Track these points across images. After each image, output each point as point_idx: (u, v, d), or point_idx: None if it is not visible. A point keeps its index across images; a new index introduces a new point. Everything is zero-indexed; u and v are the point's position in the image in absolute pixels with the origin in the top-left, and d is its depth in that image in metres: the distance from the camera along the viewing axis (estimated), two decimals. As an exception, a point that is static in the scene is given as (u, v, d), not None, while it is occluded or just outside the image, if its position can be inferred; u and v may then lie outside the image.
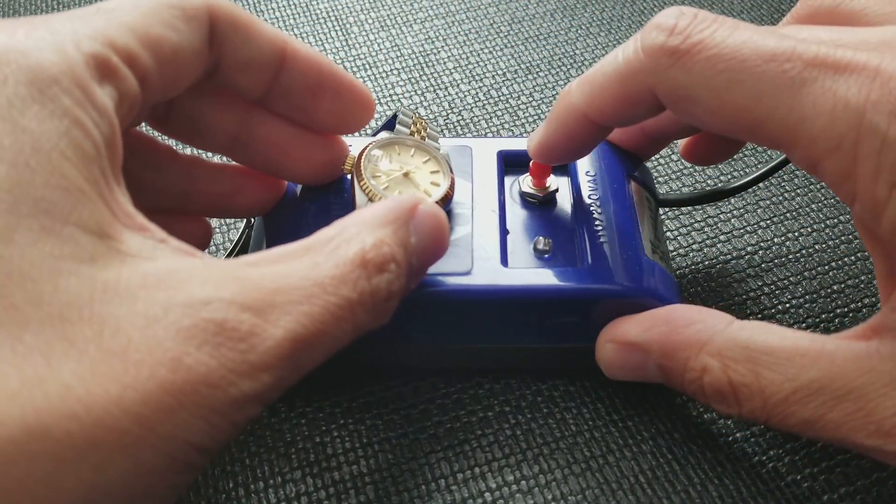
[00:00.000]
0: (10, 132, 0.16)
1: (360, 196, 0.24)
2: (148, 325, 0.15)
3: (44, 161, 0.16)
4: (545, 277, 0.24)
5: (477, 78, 0.40)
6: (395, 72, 0.40)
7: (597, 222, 0.26)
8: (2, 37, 0.17)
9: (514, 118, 0.37)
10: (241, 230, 0.29)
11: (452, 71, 0.40)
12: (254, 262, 0.18)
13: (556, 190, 0.27)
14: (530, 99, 0.38)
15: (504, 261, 0.25)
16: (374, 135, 0.26)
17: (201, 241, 0.27)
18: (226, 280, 0.17)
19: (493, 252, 0.25)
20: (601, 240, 0.25)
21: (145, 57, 0.19)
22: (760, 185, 0.34)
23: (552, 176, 0.27)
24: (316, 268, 0.18)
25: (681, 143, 0.29)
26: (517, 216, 0.27)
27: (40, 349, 0.15)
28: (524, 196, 0.27)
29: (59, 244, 0.16)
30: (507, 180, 0.28)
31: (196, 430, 0.16)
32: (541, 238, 0.26)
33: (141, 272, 0.16)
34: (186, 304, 0.16)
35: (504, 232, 0.26)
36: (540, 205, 0.27)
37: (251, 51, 0.22)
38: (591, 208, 0.26)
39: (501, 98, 0.38)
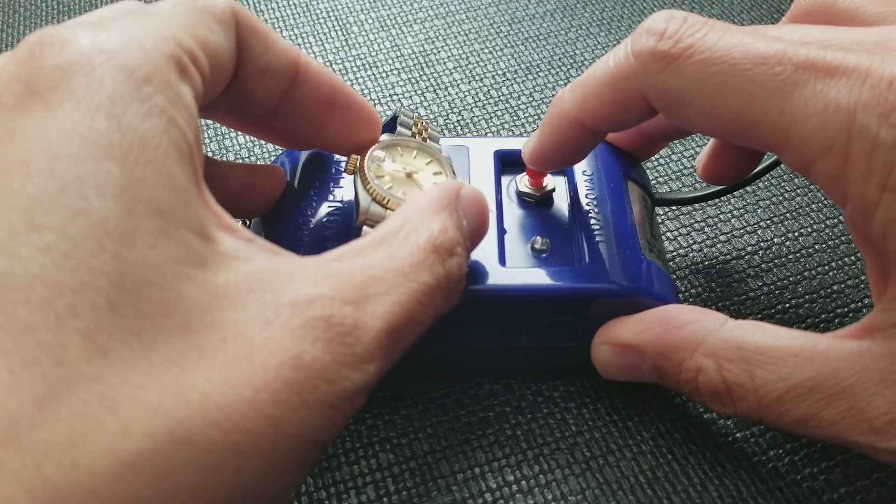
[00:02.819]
0: (116, 130, 0.16)
1: (363, 197, 0.24)
2: (264, 328, 0.16)
3: (151, 158, 0.16)
4: (542, 277, 0.24)
5: (477, 78, 0.40)
6: (395, 72, 0.40)
7: (594, 222, 0.26)
8: (86, 38, 0.17)
9: (514, 118, 0.37)
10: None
11: (452, 71, 0.40)
12: (336, 257, 0.18)
13: (553, 189, 0.27)
14: (530, 99, 0.38)
15: (502, 260, 0.25)
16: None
17: None
18: (321, 277, 0.17)
19: (490, 252, 0.25)
20: (598, 239, 0.25)
21: (202, 57, 0.19)
22: (760, 185, 0.34)
23: (549, 175, 0.27)
24: (393, 258, 0.18)
25: (698, 166, 0.28)
26: (514, 216, 0.27)
27: (173, 359, 0.15)
28: (521, 195, 0.27)
29: (175, 247, 0.16)
30: (504, 180, 0.28)
31: (317, 426, 0.16)
32: (538, 237, 0.26)
33: (244, 275, 0.17)
34: (293, 303, 0.16)
35: (501, 231, 0.26)
36: (537, 204, 0.27)
37: (269, 58, 0.22)
38: (588, 208, 0.26)
39: (501, 98, 0.38)
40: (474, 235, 0.21)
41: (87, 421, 0.13)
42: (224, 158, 0.35)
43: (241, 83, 0.22)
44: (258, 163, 0.35)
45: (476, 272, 0.24)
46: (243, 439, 0.15)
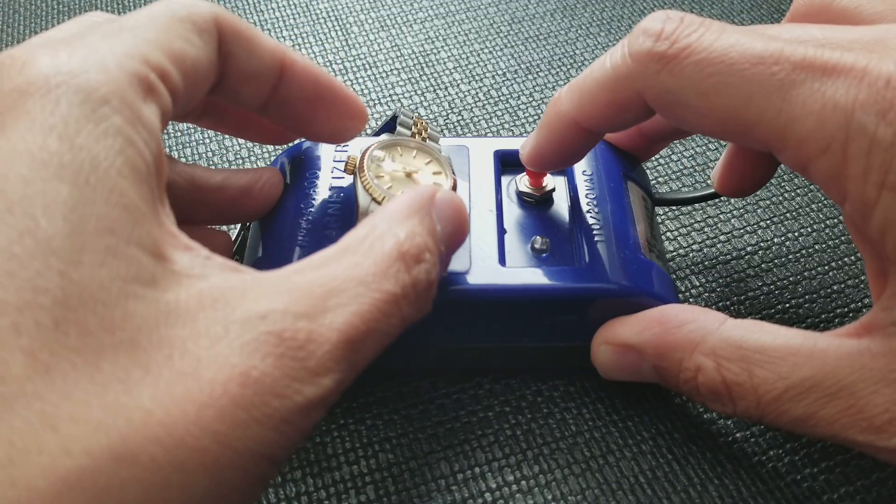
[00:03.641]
0: (67, 150, 0.16)
1: (362, 196, 0.24)
2: (212, 345, 0.16)
3: (103, 178, 0.16)
4: (542, 277, 0.24)
5: (477, 78, 0.40)
6: (395, 72, 0.40)
7: (593, 222, 0.26)
8: (45, 59, 0.17)
9: (514, 118, 0.37)
10: (237, 232, 0.29)
11: (452, 71, 0.40)
12: (298, 270, 0.18)
13: (553, 189, 0.27)
14: (530, 99, 0.38)
15: (502, 260, 0.25)
16: (375, 136, 0.26)
17: (223, 252, 0.27)
18: (277, 292, 0.17)
19: (490, 252, 0.25)
20: (598, 239, 0.25)
21: (174, 73, 0.19)
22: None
23: (549, 175, 0.27)
24: (357, 267, 0.18)
25: (714, 178, 0.28)
26: (514, 216, 0.27)
27: (118, 376, 0.15)
28: (521, 195, 0.27)
29: (125, 266, 0.16)
30: (504, 180, 0.28)
31: (268, 441, 0.16)
32: (538, 237, 0.26)
33: (196, 292, 0.16)
34: (244, 319, 0.16)
35: (501, 231, 0.26)
36: (537, 204, 0.27)
37: (255, 61, 0.22)
38: (588, 208, 0.26)
39: (501, 98, 0.38)
40: (451, 241, 0.21)
41: (27, 439, 0.13)
42: (224, 158, 0.35)
43: (228, 87, 0.22)
44: (259, 161, 0.35)
45: (476, 272, 0.24)
46: (188, 456, 0.14)
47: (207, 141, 0.36)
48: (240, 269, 0.18)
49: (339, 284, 0.18)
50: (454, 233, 0.21)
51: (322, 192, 0.27)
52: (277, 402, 0.16)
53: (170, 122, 0.36)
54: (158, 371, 0.15)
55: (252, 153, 0.36)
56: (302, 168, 0.27)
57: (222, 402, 0.15)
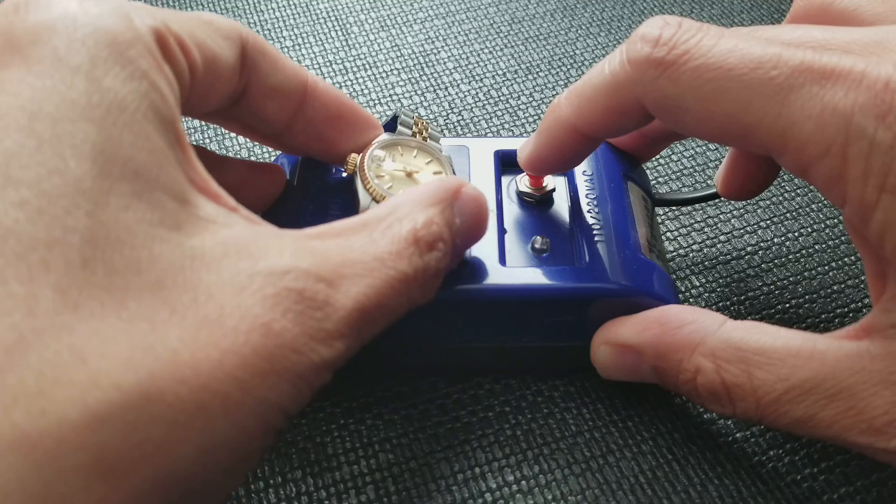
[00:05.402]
0: (95, 91, 0.16)
1: (363, 196, 0.24)
2: (236, 293, 0.16)
3: (129, 121, 0.16)
4: (543, 277, 0.24)
5: (477, 78, 0.40)
6: (395, 72, 0.40)
7: (593, 222, 0.26)
8: (73, 2, 0.17)
9: (514, 118, 0.37)
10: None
11: (452, 71, 0.40)
12: (317, 234, 0.19)
13: (553, 189, 0.27)
14: (530, 99, 0.38)
15: (502, 260, 0.25)
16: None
17: None
18: (299, 250, 0.17)
19: (491, 251, 0.25)
20: (598, 239, 0.25)
21: (194, 50, 0.19)
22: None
23: (549, 175, 0.27)
24: (374, 243, 0.19)
25: (717, 182, 0.28)
26: (514, 216, 0.27)
27: (144, 315, 0.15)
28: (521, 195, 0.27)
29: (150, 209, 0.16)
30: (504, 180, 0.28)
31: (285, 393, 0.16)
32: (538, 237, 0.26)
33: (221, 240, 0.17)
34: (268, 272, 0.17)
35: (501, 231, 0.26)
36: (537, 204, 0.27)
37: (279, 78, 0.22)
38: (588, 208, 0.26)
39: (501, 98, 0.38)
40: (467, 235, 0.22)
41: (57, 370, 0.14)
42: (224, 158, 0.35)
43: (253, 102, 0.23)
44: (259, 160, 0.35)
45: (476, 271, 0.24)
46: (211, 399, 0.15)
47: (207, 141, 0.36)
48: (261, 222, 0.18)
49: (355, 256, 0.18)
50: (472, 228, 0.22)
51: (323, 192, 0.27)
52: (295, 357, 0.16)
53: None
54: (184, 313, 0.15)
55: (252, 153, 0.36)
56: (303, 167, 0.27)
57: (245, 350, 0.15)
